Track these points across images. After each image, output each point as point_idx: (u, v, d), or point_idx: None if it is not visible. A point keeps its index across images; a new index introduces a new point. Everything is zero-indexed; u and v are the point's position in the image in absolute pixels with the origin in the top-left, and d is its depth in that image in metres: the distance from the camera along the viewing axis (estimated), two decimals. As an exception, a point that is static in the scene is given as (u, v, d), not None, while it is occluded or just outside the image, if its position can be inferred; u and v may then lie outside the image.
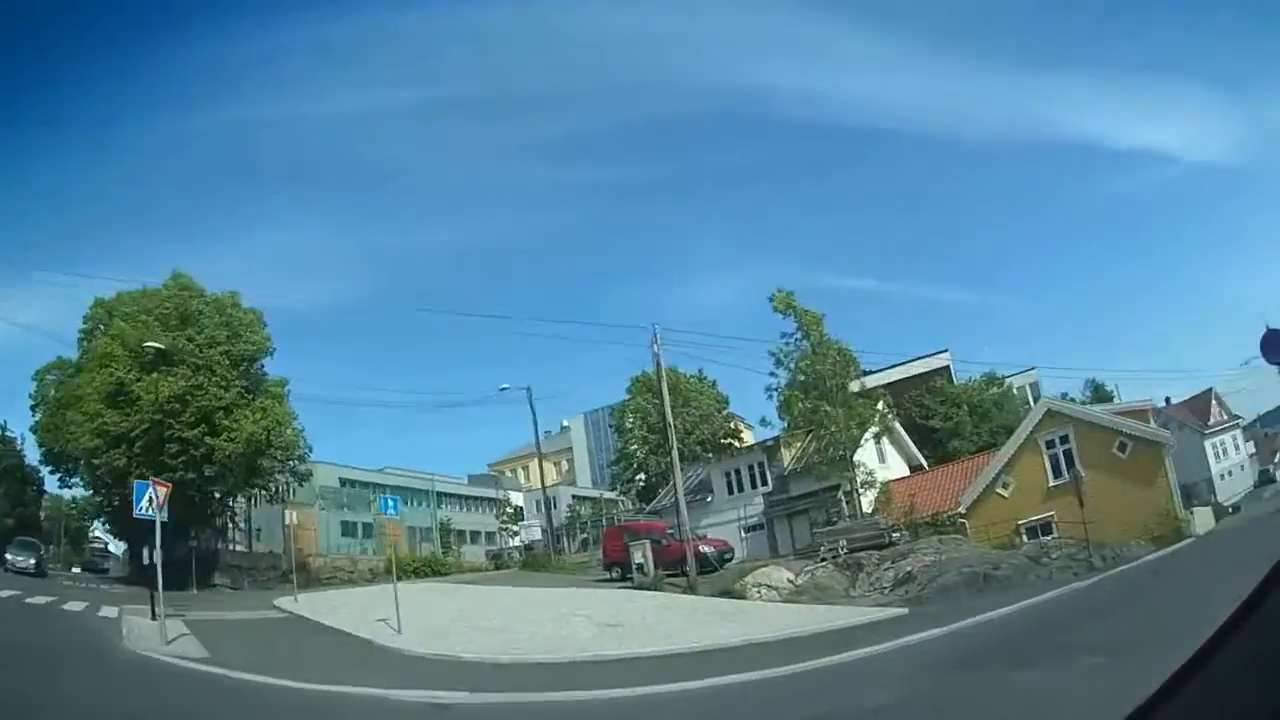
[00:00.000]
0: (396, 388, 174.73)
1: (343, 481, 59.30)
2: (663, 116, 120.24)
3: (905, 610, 19.75)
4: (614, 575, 31.32)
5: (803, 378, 34.53)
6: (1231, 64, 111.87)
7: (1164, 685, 1.96)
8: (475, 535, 68.89)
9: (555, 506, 67.63)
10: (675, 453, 32.41)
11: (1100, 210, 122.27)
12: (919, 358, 46.89)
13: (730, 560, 32.38)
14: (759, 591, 24.47)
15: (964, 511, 34.36)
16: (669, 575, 27.66)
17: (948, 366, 47.36)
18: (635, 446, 53.66)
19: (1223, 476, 66.62)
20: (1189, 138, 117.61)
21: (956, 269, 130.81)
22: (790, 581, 25.49)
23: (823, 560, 27.73)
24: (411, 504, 60.65)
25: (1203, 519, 36.55)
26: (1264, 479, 71.52)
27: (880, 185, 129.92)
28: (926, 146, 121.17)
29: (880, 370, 45.67)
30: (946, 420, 45.75)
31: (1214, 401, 70.00)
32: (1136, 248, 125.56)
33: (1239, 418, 73.56)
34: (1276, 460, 76.72)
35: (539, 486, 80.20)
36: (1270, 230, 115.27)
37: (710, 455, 45.39)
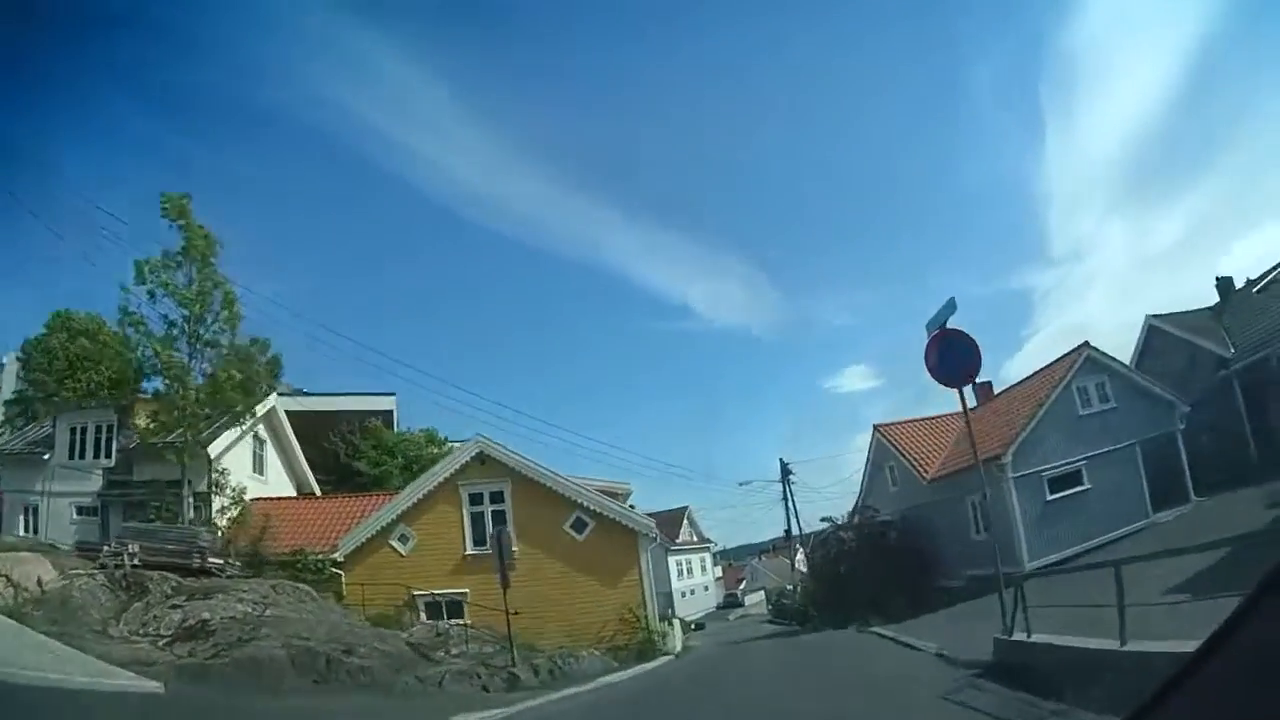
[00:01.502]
0: None
1: None
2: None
3: (160, 687, 11.79)
4: None
5: (165, 312, 23.50)
6: (768, 246, 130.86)
7: (1159, 688, 1.90)
8: None
9: (-42, 452, 49.69)
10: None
11: (643, 343, 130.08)
12: (361, 394, 40.02)
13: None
14: (-12, 586, 15.34)
15: (341, 559, 24.94)
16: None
17: (391, 411, 40.43)
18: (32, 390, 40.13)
19: (684, 594, 66.46)
20: (722, 305, 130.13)
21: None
22: (40, 584, 16.50)
23: (102, 566, 18.57)
24: None
25: (676, 634, 30.85)
26: (729, 602, 75.17)
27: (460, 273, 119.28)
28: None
29: (316, 395, 38.90)
30: (375, 465, 38.09)
31: (686, 520, 70.16)
32: (670, 379, 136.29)
33: (710, 542, 75.05)
34: (741, 588, 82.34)
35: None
36: (777, 390, 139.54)
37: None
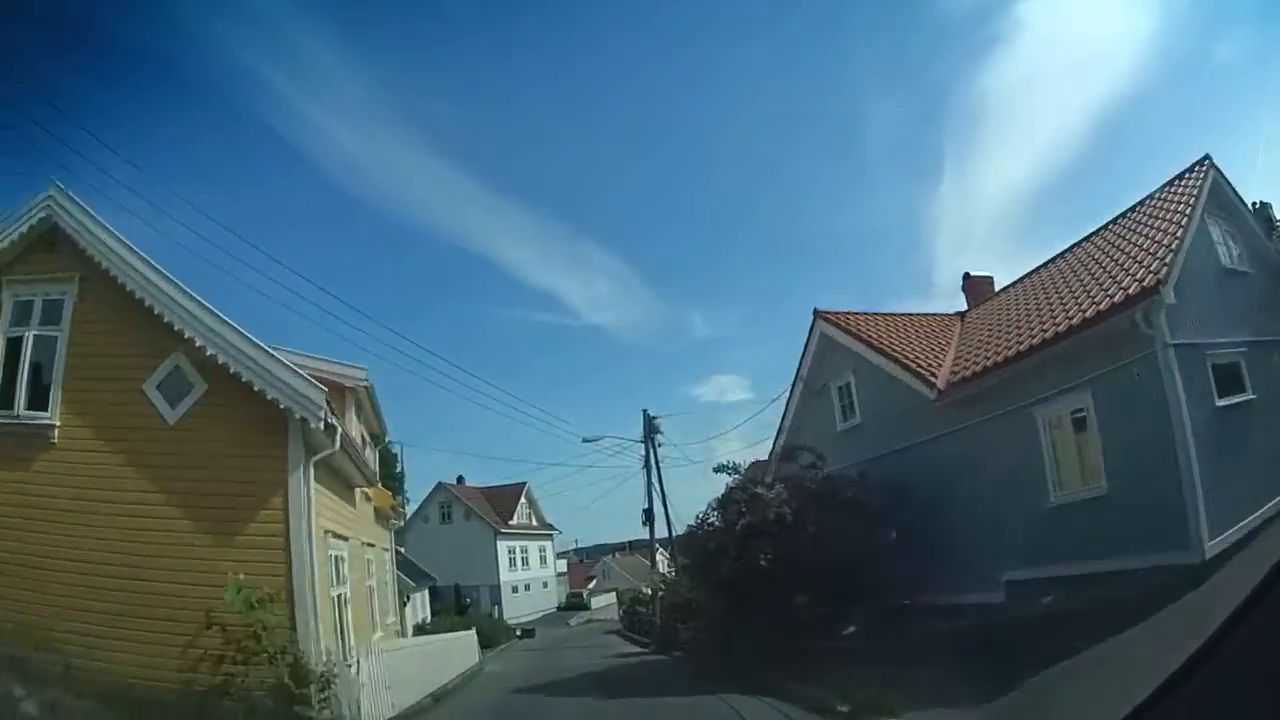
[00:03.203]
0: None
1: None
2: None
3: None
4: None
5: None
6: (649, 253, 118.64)
7: (1163, 684, 1.80)
8: None
9: None
10: None
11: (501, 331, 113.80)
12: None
13: None
14: None
15: None
16: None
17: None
18: None
19: (515, 589, 51.87)
20: (595, 303, 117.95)
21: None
22: None
23: None
24: None
25: (379, 672, 15.22)
26: (573, 603, 59.08)
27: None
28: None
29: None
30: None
31: (523, 499, 54.78)
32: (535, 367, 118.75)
33: (553, 529, 59.57)
34: (590, 588, 66.53)
35: None
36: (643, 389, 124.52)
37: None
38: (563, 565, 63.72)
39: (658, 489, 29.91)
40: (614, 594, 57.54)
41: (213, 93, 68.52)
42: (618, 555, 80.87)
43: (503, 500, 53.01)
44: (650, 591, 37.98)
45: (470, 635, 24.06)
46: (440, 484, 51.76)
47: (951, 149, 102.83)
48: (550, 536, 58.15)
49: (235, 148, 79.76)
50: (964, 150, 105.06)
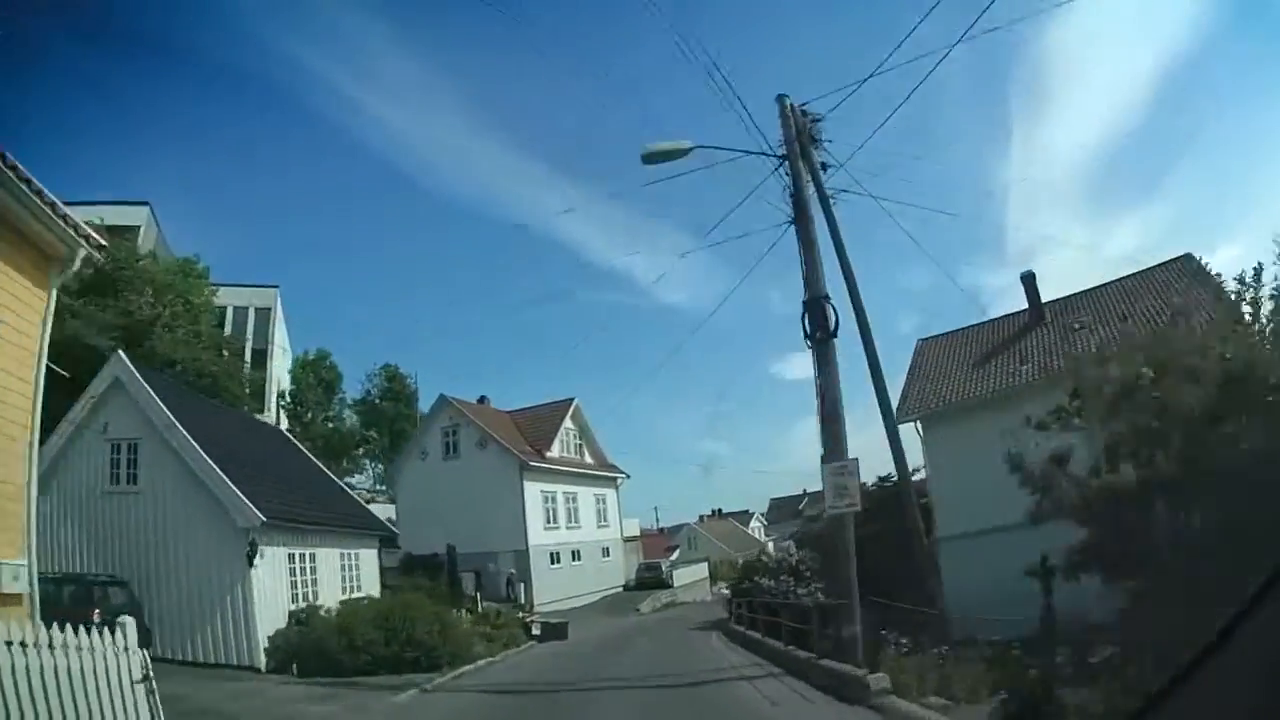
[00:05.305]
0: None
1: None
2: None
3: None
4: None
5: None
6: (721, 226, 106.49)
7: (1161, 687, 1.74)
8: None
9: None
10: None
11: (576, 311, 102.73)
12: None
13: None
14: None
15: None
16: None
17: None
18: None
19: (555, 557, 31.94)
20: (667, 282, 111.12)
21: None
22: None
23: None
24: None
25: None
26: (647, 579, 39.79)
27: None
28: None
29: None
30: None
31: (568, 422, 35.33)
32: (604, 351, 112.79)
33: (617, 471, 39.67)
34: (671, 559, 48.36)
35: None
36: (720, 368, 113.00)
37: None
38: (634, 527, 44.75)
39: (830, 245, 10.97)
40: (705, 564, 38.81)
41: (264, 83, 66.58)
42: (705, 519, 62.55)
43: (537, 426, 34.67)
44: (782, 550, 19.63)
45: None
46: (443, 397, 33.85)
47: (1019, 108, 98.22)
48: (613, 481, 39.21)
49: (289, 137, 76.36)
50: (1031, 109, 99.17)
